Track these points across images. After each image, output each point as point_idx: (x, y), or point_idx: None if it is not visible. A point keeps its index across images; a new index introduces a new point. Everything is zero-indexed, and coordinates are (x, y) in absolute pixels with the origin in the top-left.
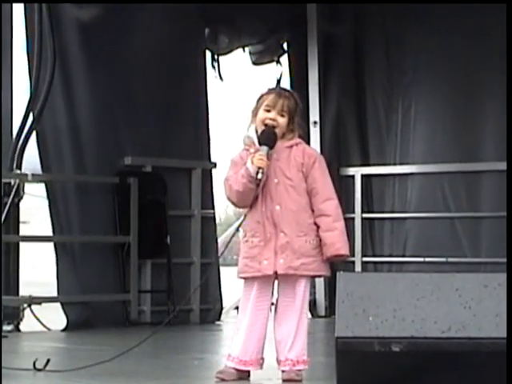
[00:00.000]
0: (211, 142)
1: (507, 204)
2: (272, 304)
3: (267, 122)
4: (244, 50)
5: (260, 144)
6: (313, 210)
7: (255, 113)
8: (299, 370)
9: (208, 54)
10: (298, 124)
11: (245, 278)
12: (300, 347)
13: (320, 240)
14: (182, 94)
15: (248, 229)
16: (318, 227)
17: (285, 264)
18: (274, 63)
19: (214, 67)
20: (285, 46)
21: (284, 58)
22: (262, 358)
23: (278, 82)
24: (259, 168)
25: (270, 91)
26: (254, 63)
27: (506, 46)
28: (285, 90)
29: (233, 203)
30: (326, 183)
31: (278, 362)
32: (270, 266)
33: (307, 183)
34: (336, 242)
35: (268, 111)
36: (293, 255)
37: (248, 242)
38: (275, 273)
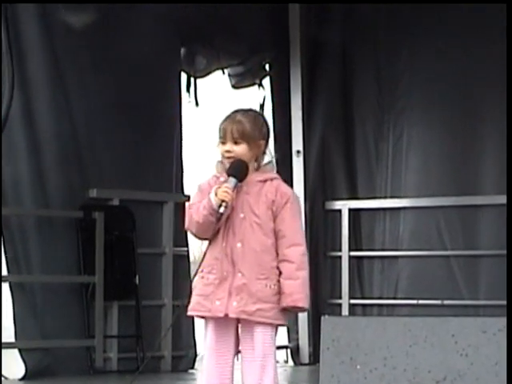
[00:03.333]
0: (184, 173)
1: (507, 223)
2: (238, 352)
3: (224, 155)
4: (223, 72)
5: (228, 175)
6: (278, 253)
7: (218, 144)
8: None
9: (183, 76)
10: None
11: (197, 317)
12: None
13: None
14: (154, 121)
15: (206, 264)
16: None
17: (238, 307)
18: (256, 86)
19: (188, 91)
20: (267, 67)
21: (266, 81)
22: None
23: (261, 107)
24: (222, 201)
25: (224, 119)
26: (234, 86)
27: (506, 45)
28: (241, 111)
29: (192, 233)
30: (295, 227)
31: None
32: (222, 307)
33: (275, 223)
34: (295, 293)
35: (223, 143)
36: (249, 299)
37: (203, 279)
38: (226, 315)
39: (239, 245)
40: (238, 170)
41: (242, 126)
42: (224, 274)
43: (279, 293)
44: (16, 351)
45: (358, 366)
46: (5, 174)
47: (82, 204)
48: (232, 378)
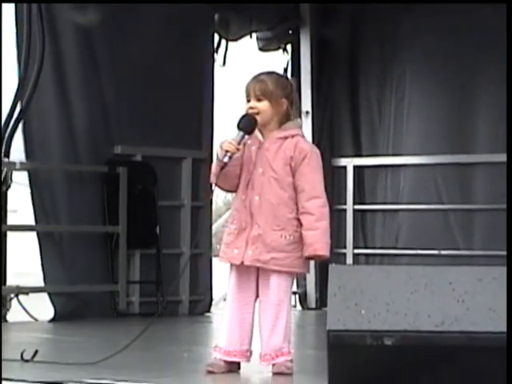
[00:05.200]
0: (209, 131)
1: (507, 200)
2: (257, 297)
3: (248, 111)
4: (251, 36)
5: (238, 128)
6: (298, 206)
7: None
8: (290, 362)
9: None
10: (295, 107)
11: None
12: (277, 342)
13: (301, 237)
14: (180, 81)
15: (230, 215)
16: (300, 224)
17: (252, 256)
18: (281, 51)
19: (217, 52)
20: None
21: (290, 47)
22: (249, 350)
23: (285, 70)
24: (226, 152)
25: (250, 80)
26: (261, 49)
27: (507, 46)
28: (265, 73)
29: (214, 185)
30: (314, 180)
31: (259, 355)
32: (239, 255)
33: (294, 178)
34: (315, 242)
35: (248, 101)
36: (263, 248)
37: (228, 228)
38: (242, 263)
39: (257, 198)
40: (245, 124)
41: (264, 85)
42: (243, 225)
43: (296, 243)
44: (45, 295)
45: (363, 311)
46: (34, 131)
47: (107, 160)
48: (252, 322)
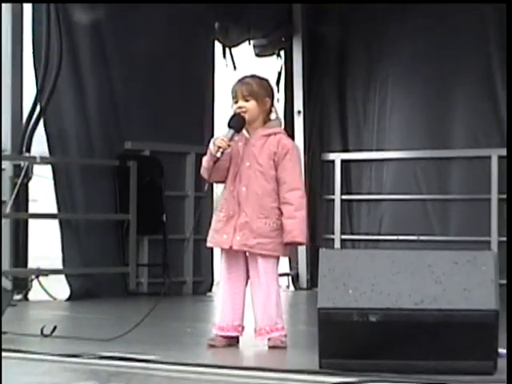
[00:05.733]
0: (209, 128)
1: (507, 200)
2: (248, 278)
3: (235, 111)
4: (249, 43)
5: (228, 126)
6: (279, 196)
7: (232, 104)
8: (284, 337)
9: (218, 46)
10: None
11: (212, 248)
12: (269, 318)
13: (281, 224)
14: (185, 83)
15: (219, 204)
16: (281, 213)
17: (240, 241)
18: (275, 56)
19: (224, 57)
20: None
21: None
22: (241, 325)
23: (279, 73)
24: (219, 147)
25: (235, 83)
26: (257, 55)
27: (507, 46)
28: (249, 76)
29: (204, 177)
30: (294, 174)
31: (254, 330)
32: (228, 240)
33: (277, 171)
34: (293, 230)
35: (236, 102)
36: (250, 234)
37: (216, 216)
38: (231, 248)
39: (244, 189)
40: (235, 123)
41: (250, 86)
42: (231, 213)
43: (278, 229)
44: (63, 277)
45: (350, 291)
46: (55, 130)
47: (118, 154)
48: (243, 300)
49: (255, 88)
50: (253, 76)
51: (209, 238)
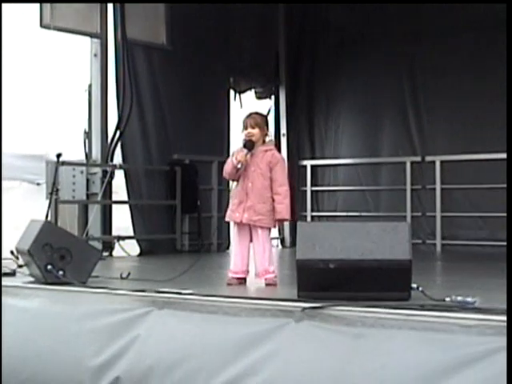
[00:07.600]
0: (226, 144)
1: (507, 200)
2: (251, 241)
3: (246, 135)
4: (251, 90)
5: (244, 147)
6: (272, 190)
7: (242, 130)
8: (275, 278)
9: (232, 92)
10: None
11: (229, 222)
12: (265, 266)
13: (273, 207)
14: (211, 114)
15: (233, 193)
16: (273, 200)
17: (247, 218)
18: (268, 99)
19: (235, 99)
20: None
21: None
22: (247, 270)
23: (269, 110)
24: (239, 161)
25: (245, 116)
26: (257, 98)
27: (507, 45)
28: (254, 113)
29: (225, 178)
30: (282, 175)
31: (255, 274)
32: (240, 217)
33: (271, 173)
34: (282, 211)
35: (246, 128)
36: (253, 213)
37: (231, 201)
38: (241, 222)
39: (250, 184)
40: (249, 146)
41: (255, 119)
42: (241, 200)
43: (272, 210)
44: (134, 241)
45: (317, 248)
46: (127, 145)
47: (168, 162)
48: (248, 254)
49: (258, 120)
50: (257, 112)
51: (227, 216)
